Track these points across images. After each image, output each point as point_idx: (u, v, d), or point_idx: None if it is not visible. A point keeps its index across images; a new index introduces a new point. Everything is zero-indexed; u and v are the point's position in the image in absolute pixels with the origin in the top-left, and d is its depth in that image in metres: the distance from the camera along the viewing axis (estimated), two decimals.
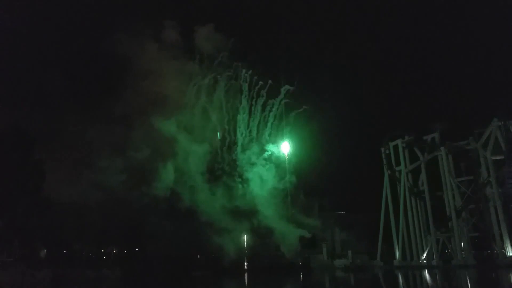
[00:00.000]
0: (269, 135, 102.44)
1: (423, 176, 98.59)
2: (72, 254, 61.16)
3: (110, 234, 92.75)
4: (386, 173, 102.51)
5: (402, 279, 53.47)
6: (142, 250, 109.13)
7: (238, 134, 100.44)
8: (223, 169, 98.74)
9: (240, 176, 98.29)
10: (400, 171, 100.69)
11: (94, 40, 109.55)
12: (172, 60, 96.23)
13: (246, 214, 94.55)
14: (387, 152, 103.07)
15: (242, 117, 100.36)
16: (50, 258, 51.35)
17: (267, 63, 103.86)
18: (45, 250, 53.56)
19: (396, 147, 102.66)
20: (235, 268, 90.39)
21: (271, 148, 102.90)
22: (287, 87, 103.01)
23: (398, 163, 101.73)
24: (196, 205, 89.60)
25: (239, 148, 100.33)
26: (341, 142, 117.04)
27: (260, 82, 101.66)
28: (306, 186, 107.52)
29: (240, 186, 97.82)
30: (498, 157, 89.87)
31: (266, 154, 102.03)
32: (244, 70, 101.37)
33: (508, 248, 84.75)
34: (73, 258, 58.05)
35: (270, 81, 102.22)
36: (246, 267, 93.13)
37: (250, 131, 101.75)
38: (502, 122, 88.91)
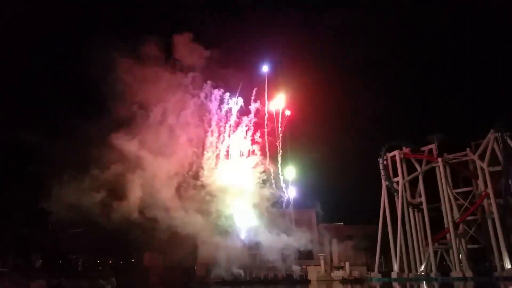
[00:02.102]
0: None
1: (420, 187, 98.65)
2: (68, 264, 60.66)
3: (105, 244, 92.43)
4: (384, 184, 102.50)
5: None
6: (138, 260, 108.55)
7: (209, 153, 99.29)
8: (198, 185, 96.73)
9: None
10: (397, 182, 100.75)
11: (63, 58, 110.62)
12: (145, 77, 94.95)
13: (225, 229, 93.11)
14: (385, 163, 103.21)
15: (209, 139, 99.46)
16: (45, 268, 50.88)
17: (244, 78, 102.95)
18: (41, 260, 53.05)
19: (393, 158, 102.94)
20: (232, 281, 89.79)
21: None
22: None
23: (395, 174, 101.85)
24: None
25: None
26: (338, 153, 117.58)
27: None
28: (304, 198, 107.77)
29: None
30: (495, 169, 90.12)
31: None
32: (218, 90, 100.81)
33: (506, 260, 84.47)
34: (69, 268, 57.56)
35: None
36: (242, 280, 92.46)
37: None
38: (499, 134, 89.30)
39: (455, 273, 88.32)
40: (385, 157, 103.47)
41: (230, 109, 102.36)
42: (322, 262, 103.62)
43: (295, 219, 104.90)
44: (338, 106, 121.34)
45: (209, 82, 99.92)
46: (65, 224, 68.28)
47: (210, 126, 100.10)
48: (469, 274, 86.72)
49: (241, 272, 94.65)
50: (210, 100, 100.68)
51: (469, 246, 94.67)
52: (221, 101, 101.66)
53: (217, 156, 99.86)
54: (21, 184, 46.61)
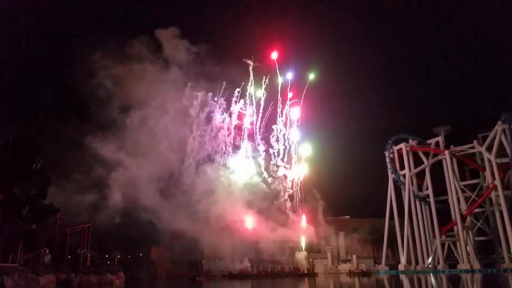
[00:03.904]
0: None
1: (427, 180, 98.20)
2: (76, 259, 61.13)
3: (113, 239, 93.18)
4: (390, 177, 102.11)
5: (407, 283, 53.12)
6: (146, 255, 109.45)
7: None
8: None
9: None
10: (404, 175, 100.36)
11: (45, 61, 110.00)
12: (129, 78, 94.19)
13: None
14: (391, 156, 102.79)
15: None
16: (54, 263, 51.36)
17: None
18: (49, 256, 53.51)
19: (400, 151, 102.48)
20: (239, 274, 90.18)
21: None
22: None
23: (402, 167, 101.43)
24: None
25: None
26: (345, 147, 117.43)
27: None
28: (311, 192, 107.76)
29: None
30: (503, 160, 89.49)
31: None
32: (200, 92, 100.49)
33: None
34: (77, 263, 58.01)
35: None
36: (249, 273, 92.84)
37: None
38: (507, 125, 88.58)
39: (463, 265, 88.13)
40: (391, 150, 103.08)
41: (212, 111, 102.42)
42: (329, 255, 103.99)
43: (302, 212, 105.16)
44: (344, 100, 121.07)
45: (189, 84, 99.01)
46: (73, 220, 69.08)
47: (191, 131, 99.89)
48: (476, 266, 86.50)
49: (248, 265, 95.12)
50: (192, 104, 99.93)
51: (477, 238, 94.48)
52: (204, 103, 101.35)
53: (199, 160, 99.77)
54: (28, 181, 46.83)
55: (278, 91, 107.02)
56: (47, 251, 53.24)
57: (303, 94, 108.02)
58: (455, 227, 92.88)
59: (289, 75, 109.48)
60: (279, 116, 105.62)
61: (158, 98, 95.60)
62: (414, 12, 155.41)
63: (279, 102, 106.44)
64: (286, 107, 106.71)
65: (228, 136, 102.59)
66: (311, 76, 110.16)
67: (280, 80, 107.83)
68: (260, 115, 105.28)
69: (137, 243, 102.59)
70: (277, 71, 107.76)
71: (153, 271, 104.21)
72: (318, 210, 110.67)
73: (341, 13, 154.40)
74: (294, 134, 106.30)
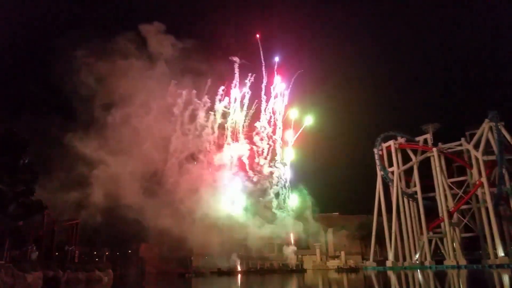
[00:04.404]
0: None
1: (415, 177, 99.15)
2: (64, 256, 60.65)
3: (102, 236, 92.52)
4: (379, 174, 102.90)
5: (395, 279, 53.72)
6: (135, 252, 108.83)
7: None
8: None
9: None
10: (392, 172, 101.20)
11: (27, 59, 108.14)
12: (113, 75, 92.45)
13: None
14: (380, 153, 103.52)
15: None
16: (41, 260, 50.89)
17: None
18: (37, 253, 52.98)
19: (389, 148, 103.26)
20: (228, 270, 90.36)
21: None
22: None
23: (391, 164, 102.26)
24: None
25: None
26: (334, 144, 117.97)
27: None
28: (299, 189, 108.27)
29: None
30: (489, 158, 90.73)
31: None
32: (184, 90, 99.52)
33: (499, 248, 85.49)
34: (65, 260, 57.58)
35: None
36: (239, 270, 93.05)
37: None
38: (494, 123, 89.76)
39: (449, 261, 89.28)
40: (380, 147, 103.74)
41: (197, 109, 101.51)
42: (317, 251, 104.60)
43: (290, 209, 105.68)
44: (332, 97, 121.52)
45: (173, 82, 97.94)
46: (56, 218, 68.40)
47: (175, 129, 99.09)
48: (462, 262, 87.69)
49: (237, 262, 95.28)
50: (175, 102, 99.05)
51: (463, 235, 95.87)
52: (188, 101, 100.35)
53: (187, 158, 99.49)
54: (16, 177, 46.30)
55: (262, 89, 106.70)
56: (35, 248, 52.68)
57: (288, 90, 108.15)
58: (442, 224, 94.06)
59: (276, 59, 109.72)
60: (263, 114, 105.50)
61: (141, 95, 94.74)
62: (402, 11, 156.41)
63: (263, 101, 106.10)
64: (272, 104, 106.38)
65: (212, 134, 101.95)
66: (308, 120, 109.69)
67: (264, 70, 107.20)
68: (244, 113, 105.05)
69: (125, 240, 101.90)
70: (262, 57, 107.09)
71: (142, 268, 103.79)
72: (307, 207, 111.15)
73: (331, 9, 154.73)
74: (280, 130, 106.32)
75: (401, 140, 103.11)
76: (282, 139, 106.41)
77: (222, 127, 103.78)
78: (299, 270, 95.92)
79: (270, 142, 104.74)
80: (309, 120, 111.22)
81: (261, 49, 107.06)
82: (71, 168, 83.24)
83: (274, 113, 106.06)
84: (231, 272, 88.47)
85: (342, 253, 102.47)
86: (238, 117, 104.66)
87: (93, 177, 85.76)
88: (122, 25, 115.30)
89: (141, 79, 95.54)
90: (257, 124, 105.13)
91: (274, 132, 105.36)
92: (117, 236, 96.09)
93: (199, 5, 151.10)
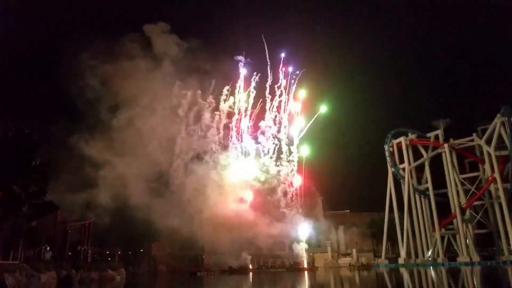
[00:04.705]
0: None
1: (426, 173, 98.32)
2: (77, 256, 61.31)
3: (114, 236, 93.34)
4: (390, 171, 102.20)
5: (407, 276, 53.32)
6: (146, 251, 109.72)
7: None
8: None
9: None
10: (404, 169, 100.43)
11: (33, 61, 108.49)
12: (118, 77, 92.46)
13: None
14: (391, 150, 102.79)
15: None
16: (55, 260, 51.47)
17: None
18: (50, 252, 53.66)
19: (399, 145, 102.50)
20: (239, 269, 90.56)
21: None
22: None
23: (402, 161, 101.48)
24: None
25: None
26: (344, 141, 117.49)
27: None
28: (310, 186, 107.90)
29: None
30: (502, 153, 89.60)
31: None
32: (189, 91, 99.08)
33: None
34: (78, 259, 58.18)
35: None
36: (250, 268, 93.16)
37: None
38: (506, 118, 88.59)
39: (462, 258, 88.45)
40: (391, 144, 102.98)
41: (202, 110, 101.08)
42: (329, 249, 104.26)
43: (301, 207, 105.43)
44: (341, 94, 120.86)
45: (177, 83, 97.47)
46: (74, 216, 69.24)
47: (180, 130, 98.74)
48: (476, 258, 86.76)
49: (248, 260, 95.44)
50: (180, 103, 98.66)
51: (476, 231, 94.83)
52: (193, 102, 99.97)
53: (193, 158, 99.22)
54: (28, 178, 46.85)
55: (267, 88, 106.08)
56: (48, 248, 53.40)
57: (294, 87, 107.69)
58: (454, 220, 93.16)
59: (282, 55, 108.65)
60: (269, 112, 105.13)
61: (147, 97, 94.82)
62: (413, 7, 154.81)
63: (268, 100, 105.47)
64: (277, 103, 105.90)
65: (217, 135, 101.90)
66: (323, 108, 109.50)
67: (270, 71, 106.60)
68: (249, 112, 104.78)
69: (137, 239, 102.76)
70: (267, 55, 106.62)
71: (153, 266, 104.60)
72: (317, 204, 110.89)
73: (339, 3, 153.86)
74: (288, 126, 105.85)
75: (411, 136, 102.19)
76: (288, 136, 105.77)
77: (227, 127, 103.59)
78: (311, 268, 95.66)
79: (276, 142, 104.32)
80: (321, 112, 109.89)
81: (266, 47, 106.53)
82: (78, 170, 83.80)
83: (279, 111, 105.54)
84: (242, 270, 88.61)
85: (354, 250, 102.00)
86: (243, 116, 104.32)
87: (100, 178, 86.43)
88: (127, 26, 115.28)
89: (146, 80, 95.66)
90: (261, 123, 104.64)
91: (279, 130, 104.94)
92: (129, 236, 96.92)
93: (203, 5, 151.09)
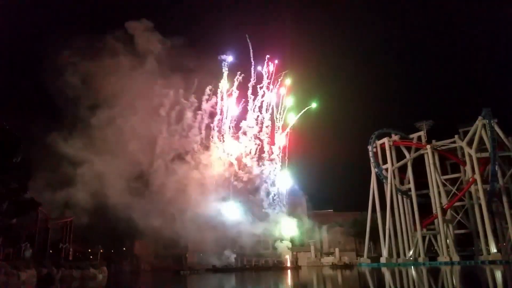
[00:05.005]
0: None
1: (409, 174, 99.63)
2: (58, 253, 60.45)
3: (96, 233, 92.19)
4: (373, 171, 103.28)
5: (389, 276, 54.03)
6: (129, 249, 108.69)
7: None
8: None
9: None
10: (387, 169, 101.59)
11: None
12: (99, 75, 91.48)
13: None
14: (374, 150, 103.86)
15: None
16: (35, 258, 50.69)
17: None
18: (31, 250, 52.78)
19: (383, 146, 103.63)
20: (223, 267, 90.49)
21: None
22: None
23: (385, 162, 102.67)
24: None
25: None
26: (328, 141, 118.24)
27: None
28: (294, 186, 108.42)
29: None
30: (483, 155, 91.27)
31: None
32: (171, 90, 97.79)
33: (492, 244, 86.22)
34: (59, 257, 57.38)
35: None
36: (234, 267, 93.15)
37: None
38: (487, 121, 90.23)
39: (443, 258, 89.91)
40: (374, 145, 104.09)
41: (183, 109, 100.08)
42: (312, 248, 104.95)
43: (284, 206, 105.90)
44: (325, 94, 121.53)
45: (159, 81, 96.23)
46: (53, 215, 68.10)
47: (161, 130, 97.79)
48: (456, 258, 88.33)
49: (232, 259, 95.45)
50: (162, 103, 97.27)
51: (456, 231, 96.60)
52: (175, 101, 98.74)
53: (174, 158, 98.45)
54: (9, 174, 46.06)
55: (249, 88, 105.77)
56: (28, 246, 52.52)
57: (278, 88, 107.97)
58: (435, 221, 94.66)
59: (267, 57, 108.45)
60: (251, 113, 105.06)
61: (128, 95, 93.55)
62: (396, 9, 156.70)
63: (250, 100, 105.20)
64: (260, 103, 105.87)
65: (199, 135, 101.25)
66: (288, 82, 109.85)
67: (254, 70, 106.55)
68: (232, 112, 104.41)
69: (120, 237, 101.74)
70: (251, 56, 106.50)
71: (137, 265, 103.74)
72: (301, 204, 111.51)
73: (324, 5, 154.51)
74: (268, 128, 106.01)
75: (395, 137, 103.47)
76: (272, 137, 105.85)
77: (209, 127, 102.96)
78: (294, 267, 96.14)
79: (257, 142, 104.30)
80: (309, 108, 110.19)
81: (250, 47, 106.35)
82: (57, 168, 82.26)
83: (261, 111, 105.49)
84: (226, 269, 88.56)
85: (337, 250, 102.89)
86: (225, 116, 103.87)
87: (80, 176, 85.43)
88: (110, 23, 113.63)
89: (127, 78, 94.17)
90: (243, 123, 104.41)
91: (261, 130, 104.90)
92: (111, 234, 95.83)
93: (188, 3, 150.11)
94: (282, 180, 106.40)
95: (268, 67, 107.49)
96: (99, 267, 58.80)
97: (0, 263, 39.76)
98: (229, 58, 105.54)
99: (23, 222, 53.75)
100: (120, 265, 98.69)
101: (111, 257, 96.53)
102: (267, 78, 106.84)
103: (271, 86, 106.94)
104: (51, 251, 60.49)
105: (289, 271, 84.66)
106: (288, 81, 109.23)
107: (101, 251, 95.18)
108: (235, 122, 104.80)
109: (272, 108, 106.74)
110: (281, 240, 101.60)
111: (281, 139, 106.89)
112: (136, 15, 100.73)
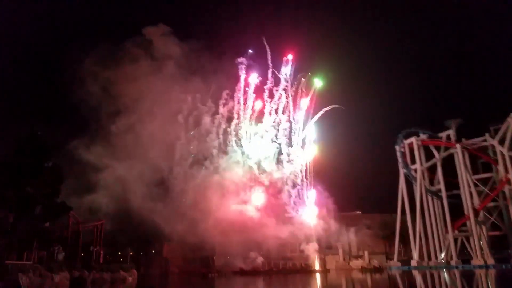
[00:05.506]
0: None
1: (439, 174, 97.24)
2: (89, 256, 61.78)
3: (126, 236, 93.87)
4: (401, 171, 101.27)
5: (420, 279, 52.79)
6: (158, 252, 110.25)
7: None
8: None
9: None
10: (415, 170, 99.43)
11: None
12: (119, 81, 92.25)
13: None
14: (402, 150, 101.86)
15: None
16: (68, 260, 51.96)
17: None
18: (63, 253, 54.17)
19: (411, 145, 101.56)
20: (251, 270, 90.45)
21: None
22: None
23: (413, 162, 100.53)
24: None
25: None
26: (356, 142, 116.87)
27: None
28: (322, 186, 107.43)
29: None
30: None
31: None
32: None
33: None
34: (90, 260, 58.63)
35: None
36: (262, 270, 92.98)
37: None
38: None
39: (476, 261, 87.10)
40: (402, 144, 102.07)
41: (201, 114, 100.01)
42: (340, 251, 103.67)
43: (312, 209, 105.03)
44: (351, 94, 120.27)
45: (177, 87, 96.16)
46: (87, 217, 69.78)
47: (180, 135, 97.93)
48: (490, 261, 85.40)
49: (259, 262, 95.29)
50: (180, 109, 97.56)
51: (490, 233, 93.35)
52: (192, 107, 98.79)
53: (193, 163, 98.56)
54: (41, 179, 47.41)
55: (266, 91, 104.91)
56: (61, 249, 53.89)
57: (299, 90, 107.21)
58: (468, 222, 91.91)
59: (289, 57, 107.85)
60: (268, 116, 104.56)
61: (146, 102, 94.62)
62: (426, 4, 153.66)
63: (267, 103, 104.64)
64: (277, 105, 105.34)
65: (217, 139, 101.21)
66: (318, 83, 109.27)
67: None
68: (249, 116, 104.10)
69: (149, 240, 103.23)
70: (269, 59, 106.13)
71: (165, 267, 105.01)
72: (329, 206, 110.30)
73: (348, 6, 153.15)
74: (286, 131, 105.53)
75: (423, 136, 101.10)
76: (289, 141, 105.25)
77: (226, 131, 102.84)
78: (322, 270, 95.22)
79: (277, 145, 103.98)
80: (332, 108, 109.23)
81: (268, 49, 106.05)
82: (81, 175, 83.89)
83: (277, 113, 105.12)
84: (253, 272, 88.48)
85: (366, 252, 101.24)
86: (242, 121, 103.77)
87: (102, 182, 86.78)
88: (129, 30, 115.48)
89: (146, 84, 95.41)
90: (261, 126, 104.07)
91: (280, 133, 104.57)
92: (140, 237, 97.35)
93: (204, 7, 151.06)
94: (307, 181, 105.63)
95: (286, 67, 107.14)
96: (128, 269, 59.66)
97: (35, 265, 40.87)
98: (245, 62, 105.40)
99: (56, 225, 55.29)
100: (149, 267, 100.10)
101: (140, 260, 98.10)
102: (284, 80, 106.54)
103: (289, 89, 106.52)
104: (82, 254, 61.89)
105: (317, 274, 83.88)
106: (309, 82, 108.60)
107: (131, 254, 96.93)
108: (253, 125, 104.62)
109: (295, 107, 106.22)
110: (309, 243, 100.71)
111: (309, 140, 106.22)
112: (154, 21, 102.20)
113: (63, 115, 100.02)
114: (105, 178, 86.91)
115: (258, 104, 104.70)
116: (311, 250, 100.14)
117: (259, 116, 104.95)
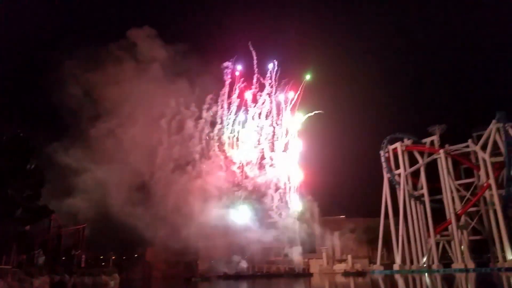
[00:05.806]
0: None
1: (422, 179, 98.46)
2: (70, 260, 60.77)
3: (108, 240, 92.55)
4: (386, 176, 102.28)
5: (402, 283, 53.29)
6: (141, 256, 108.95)
7: None
8: None
9: None
10: (399, 175, 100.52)
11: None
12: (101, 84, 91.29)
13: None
14: (386, 155, 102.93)
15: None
16: (48, 264, 51.03)
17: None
18: (43, 257, 53.16)
19: (395, 151, 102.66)
20: (235, 274, 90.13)
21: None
22: None
23: (397, 167, 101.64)
24: None
25: None
26: (341, 147, 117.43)
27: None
28: (307, 191, 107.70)
29: None
30: (497, 159, 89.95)
31: None
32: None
33: (508, 251, 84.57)
34: (71, 264, 57.70)
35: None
36: (246, 274, 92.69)
37: None
38: (501, 124, 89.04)
39: (457, 265, 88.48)
40: (386, 150, 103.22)
41: (184, 119, 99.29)
42: (324, 255, 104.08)
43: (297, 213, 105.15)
44: (336, 99, 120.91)
45: (160, 91, 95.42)
46: (67, 221, 68.59)
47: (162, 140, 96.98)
48: (471, 265, 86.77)
49: (243, 266, 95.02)
50: (163, 113, 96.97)
51: (471, 238, 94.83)
52: (175, 111, 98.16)
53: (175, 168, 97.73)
54: (22, 181, 46.52)
55: (251, 96, 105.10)
56: (41, 253, 52.89)
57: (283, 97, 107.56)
58: (449, 226, 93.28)
59: (271, 66, 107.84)
60: (252, 121, 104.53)
61: (128, 105, 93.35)
62: (407, 11, 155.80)
63: (252, 107, 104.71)
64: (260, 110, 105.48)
65: (200, 144, 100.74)
66: (307, 77, 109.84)
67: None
68: (232, 120, 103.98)
69: (132, 244, 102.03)
70: (255, 64, 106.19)
71: (148, 272, 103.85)
72: (313, 210, 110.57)
73: (332, 8, 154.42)
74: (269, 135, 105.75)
75: (407, 142, 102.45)
76: (272, 146, 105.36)
77: (210, 136, 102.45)
78: (306, 274, 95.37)
79: (260, 148, 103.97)
80: (315, 113, 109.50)
81: (254, 55, 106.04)
82: (63, 178, 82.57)
83: (259, 117, 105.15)
84: (237, 276, 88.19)
85: (349, 256, 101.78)
86: (225, 126, 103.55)
87: (82, 185, 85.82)
88: (113, 32, 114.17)
89: (129, 87, 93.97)
90: (244, 131, 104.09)
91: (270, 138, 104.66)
92: (123, 241, 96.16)
93: (189, 11, 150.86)
94: (291, 186, 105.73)
95: (272, 74, 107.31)
96: (110, 274, 58.99)
97: (14, 269, 40.01)
98: (231, 66, 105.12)
99: (37, 229, 54.27)
100: (132, 272, 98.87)
101: (123, 264, 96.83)
102: (269, 86, 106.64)
103: (273, 94, 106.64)
104: (63, 258, 60.83)
105: (301, 278, 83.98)
106: (294, 88, 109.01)
107: (113, 258, 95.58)
108: (237, 130, 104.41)
109: (278, 111, 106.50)
110: (293, 247, 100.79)
111: (293, 144, 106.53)
112: (140, 23, 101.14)
113: (43, 117, 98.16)
114: (85, 182, 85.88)
115: (242, 109, 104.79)
116: (295, 254, 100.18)
117: (243, 121, 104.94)
